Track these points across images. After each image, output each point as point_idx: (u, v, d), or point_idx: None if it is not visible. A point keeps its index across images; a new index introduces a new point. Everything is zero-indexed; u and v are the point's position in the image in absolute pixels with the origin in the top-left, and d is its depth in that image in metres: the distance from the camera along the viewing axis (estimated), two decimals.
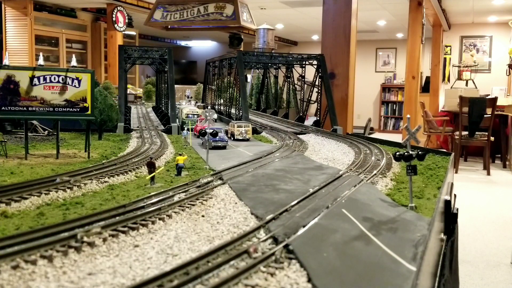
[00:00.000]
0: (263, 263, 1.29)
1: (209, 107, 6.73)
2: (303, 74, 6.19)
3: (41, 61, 6.73)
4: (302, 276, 1.24)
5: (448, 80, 14.65)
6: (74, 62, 6.34)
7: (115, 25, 11.67)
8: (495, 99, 9.79)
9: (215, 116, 3.17)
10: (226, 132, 4.13)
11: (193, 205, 1.90)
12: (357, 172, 2.65)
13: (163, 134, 4.26)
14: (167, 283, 1.17)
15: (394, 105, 18.35)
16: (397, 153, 1.99)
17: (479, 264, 4.91)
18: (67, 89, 2.93)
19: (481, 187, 8.60)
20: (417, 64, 10.59)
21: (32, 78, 2.88)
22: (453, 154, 3.33)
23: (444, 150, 3.92)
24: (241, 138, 3.99)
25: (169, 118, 4.71)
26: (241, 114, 4.96)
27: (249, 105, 7.65)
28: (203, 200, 1.98)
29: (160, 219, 1.70)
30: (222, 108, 6.34)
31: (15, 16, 11.20)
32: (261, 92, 7.71)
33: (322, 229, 1.59)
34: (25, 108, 2.89)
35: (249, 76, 10.66)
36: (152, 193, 1.98)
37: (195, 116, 4.65)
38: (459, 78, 14.29)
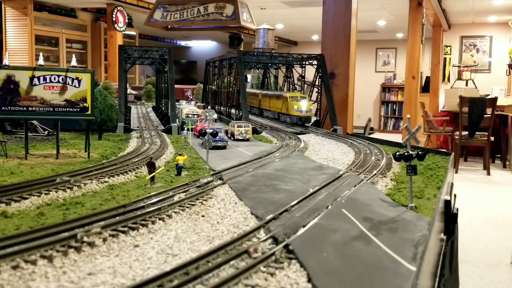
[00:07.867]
0: (263, 263, 1.29)
1: (209, 107, 6.73)
2: (303, 74, 6.19)
3: (41, 61, 6.73)
4: (302, 276, 1.24)
5: (448, 80, 14.65)
6: (74, 62, 6.33)
7: (115, 25, 11.66)
8: (495, 99, 9.78)
9: (215, 116, 3.17)
10: (226, 132, 4.13)
11: (193, 205, 1.90)
12: (357, 172, 2.65)
13: (163, 134, 4.26)
14: (167, 283, 1.17)
15: (394, 105, 18.35)
16: (397, 153, 1.99)
17: (479, 264, 4.91)
18: (67, 89, 2.93)
19: (481, 187, 8.60)
20: (417, 64, 10.59)
21: (32, 78, 2.88)
22: (453, 154, 3.33)
23: (444, 150, 3.92)
24: (241, 138, 3.99)
25: (169, 118, 4.71)
26: (241, 114, 4.96)
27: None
28: (203, 200, 1.98)
29: (160, 219, 1.70)
30: (222, 108, 6.33)
31: (15, 16, 11.20)
32: None
33: (322, 229, 1.59)
34: (25, 108, 2.89)
35: (249, 76, 10.64)
36: (152, 193, 1.99)
37: (195, 116, 4.65)
38: (459, 78, 14.27)
